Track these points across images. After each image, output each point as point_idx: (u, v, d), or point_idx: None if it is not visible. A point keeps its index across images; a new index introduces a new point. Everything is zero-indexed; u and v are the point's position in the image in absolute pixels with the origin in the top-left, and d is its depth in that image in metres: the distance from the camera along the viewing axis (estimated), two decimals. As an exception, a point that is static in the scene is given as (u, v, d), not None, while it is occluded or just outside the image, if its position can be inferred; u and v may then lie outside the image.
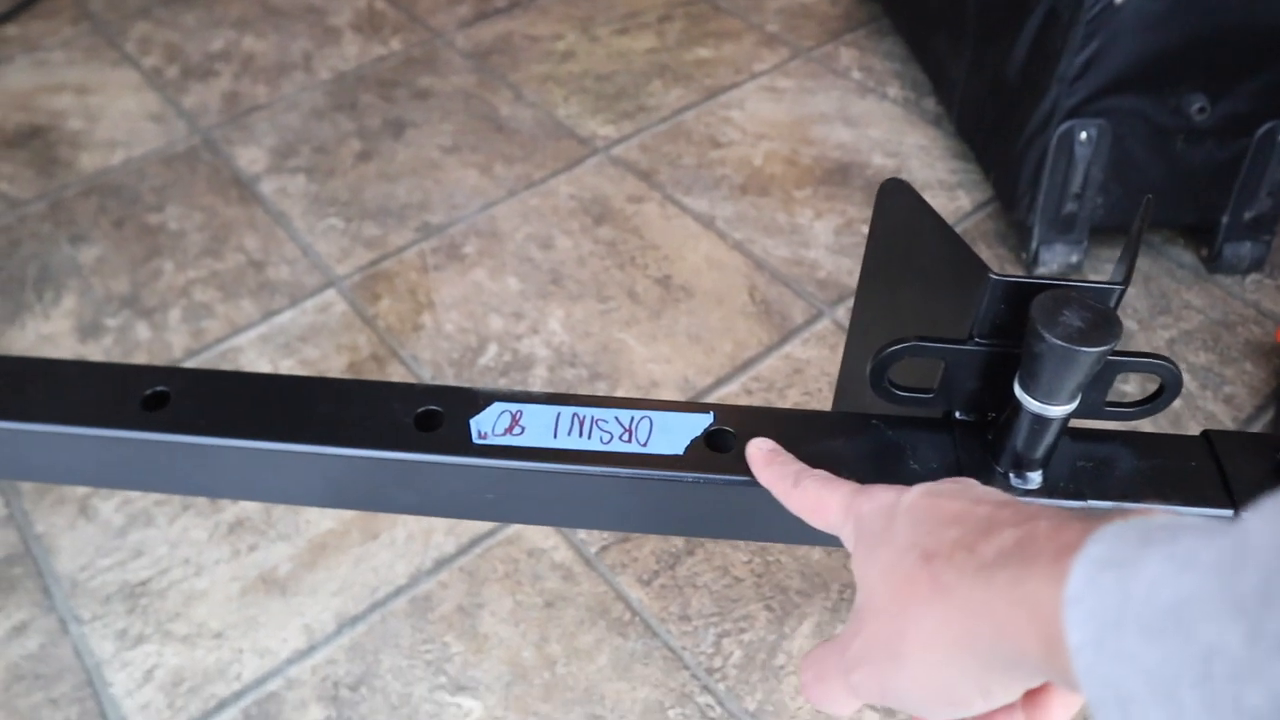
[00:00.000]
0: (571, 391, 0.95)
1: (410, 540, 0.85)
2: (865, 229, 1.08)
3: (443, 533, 0.85)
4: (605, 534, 0.84)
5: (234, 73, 1.38)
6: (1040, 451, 0.46)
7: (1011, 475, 0.47)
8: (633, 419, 0.51)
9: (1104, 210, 1.03)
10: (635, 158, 1.20)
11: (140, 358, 1.00)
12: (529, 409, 0.51)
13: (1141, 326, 1.03)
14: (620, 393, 0.96)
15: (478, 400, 0.51)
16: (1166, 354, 0.95)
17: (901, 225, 0.52)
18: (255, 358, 0.99)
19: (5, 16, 1.52)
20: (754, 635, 0.80)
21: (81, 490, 0.88)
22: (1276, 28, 0.92)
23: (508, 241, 1.10)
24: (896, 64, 1.35)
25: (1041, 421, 0.44)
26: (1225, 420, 0.94)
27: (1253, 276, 1.07)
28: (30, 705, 0.76)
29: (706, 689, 0.76)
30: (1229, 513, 0.46)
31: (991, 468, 0.47)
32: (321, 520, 0.86)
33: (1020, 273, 1.04)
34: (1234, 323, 1.03)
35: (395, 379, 0.97)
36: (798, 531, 0.45)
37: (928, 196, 1.06)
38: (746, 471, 0.47)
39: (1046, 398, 0.43)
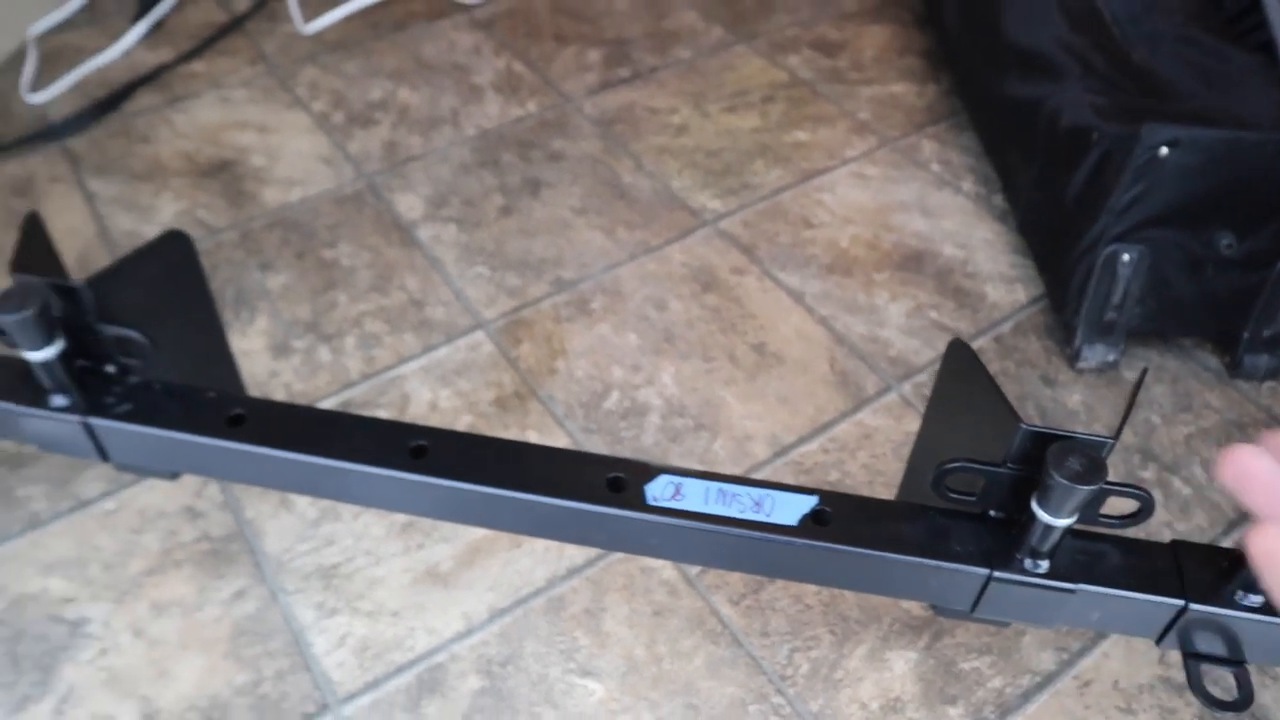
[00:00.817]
0: (678, 439, 1.15)
1: (547, 551, 1.05)
2: (933, 314, 1.28)
3: (574, 548, 1.05)
4: (704, 561, 1.04)
5: (391, 122, 1.59)
6: (1048, 547, 0.66)
7: (1026, 561, 0.66)
8: (761, 496, 0.71)
9: (1140, 319, 1.20)
10: (739, 232, 1.40)
11: (323, 377, 1.22)
12: (687, 482, 0.71)
13: (1165, 421, 1.21)
14: (718, 444, 1.15)
15: (651, 472, 0.71)
16: (1183, 447, 1.14)
17: (962, 373, 0.71)
18: (418, 385, 1.20)
19: (192, 53, 1.75)
20: (819, 652, 0.99)
21: (282, 486, 1.10)
22: (1297, 184, 1.10)
23: (628, 301, 1.30)
24: (971, 159, 1.53)
25: (1050, 528, 0.64)
26: (1227, 510, 1.11)
27: (1268, 384, 1.24)
28: (252, 655, 0.98)
29: (779, 692, 0.96)
30: (1180, 602, 0.65)
31: (1012, 555, 0.67)
32: (475, 530, 1.07)
33: (1065, 375, 1.22)
34: (1247, 424, 1.20)
35: (534, 415, 1.17)
36: (871, 585, 0.66)
37: (990, 289, 1.27)
38: (840, 541, 0.67)
39: (1054, 513, 0.63)
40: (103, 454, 0.78)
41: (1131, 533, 0.71)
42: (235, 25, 1.82)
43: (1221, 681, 0.69)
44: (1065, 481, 0.60)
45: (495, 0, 1.86)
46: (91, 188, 1.48)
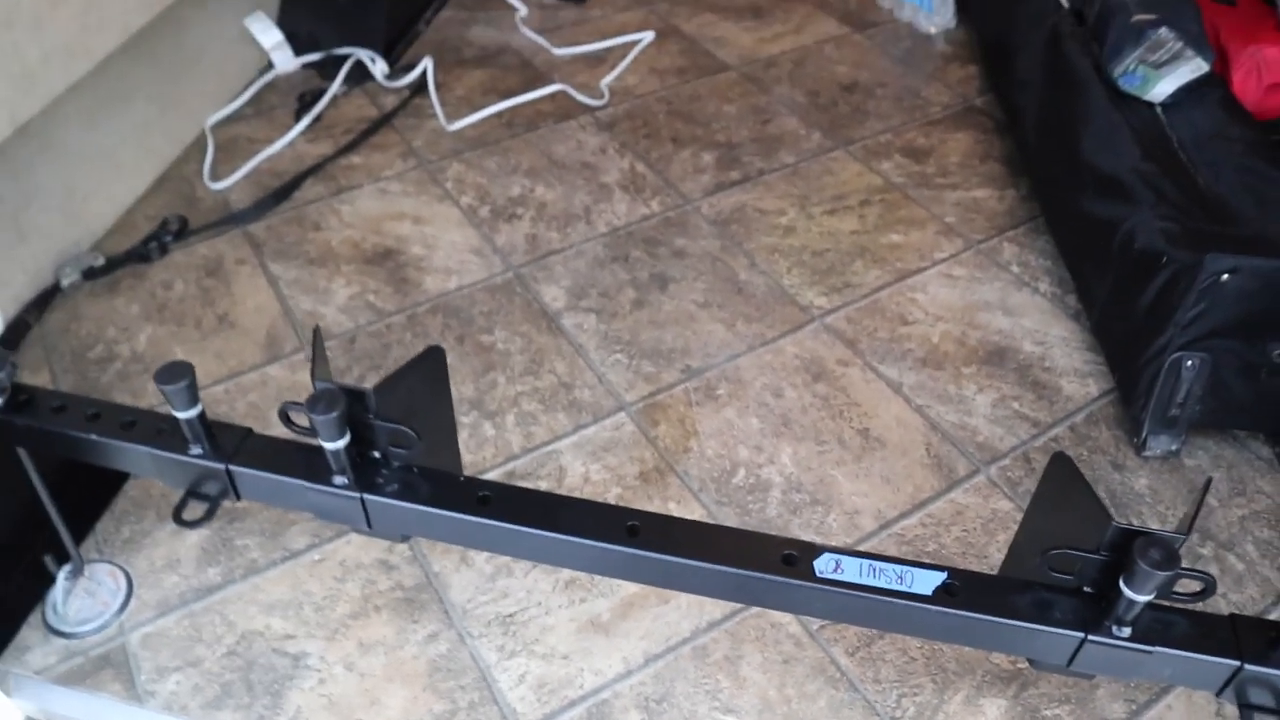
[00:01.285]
0: (798, 511, 1.34)
1: (690, 606, 1.24)
2: (1015, 404, 1.46)
3: (713, 604, 1.24)
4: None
5: (532, 217, 1.81)
6: (1131, 617, 0.84)
7: (1114, 628, 0.85)
8: (903, 571, 0.90)
9: (1200, 415, 1.38)
10: (843, 327, 1.59)
11: (489, 451, 1.42)
12: (845, 559, 0.90)
13: (1221, 504, 1.37)
14: (831, 517, 1.34)
15: (817, 550, 0.90)
16: (1238, 527, 1.31)
17: (1063, 477, 0.90)
18: (572, 460, 1.40)
19: (349, 146, 1.99)
20: (923, 698, 1.17)
21: (462, 543, 1.30)
22: (1342, 306, 1.27)
23: (749, 388, 1.50)
24: (1048, 261, 1.72)
25: (1134, 602, 0.82)
26: (1276, 583, 1.28)
27: (1315, 474, 1.41)
28: (447, 688, 1.17)
29: (892, 734, 1.14)
30: (1236, 663, 0.84)
31: (1103, 622, 0.85)
32: (630, 586, 1.26)
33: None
34: (1295, 509, 1.37)
35: (673, 489, 1.36)
36: (989, 644, 0.84)
37: (1065, 382, 1.45)
38: (967, 609, 0.86)
39: (1138, 591, 0.81)
40: (368, 523, 0.99)
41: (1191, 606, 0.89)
42: (385, 121, 2.05)
43: (1273, 735, 0.86)
44: (1148, 568, 0.79)
45: (616, 102, 2.09)
46: (273, 271, 1.71)
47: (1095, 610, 0.88)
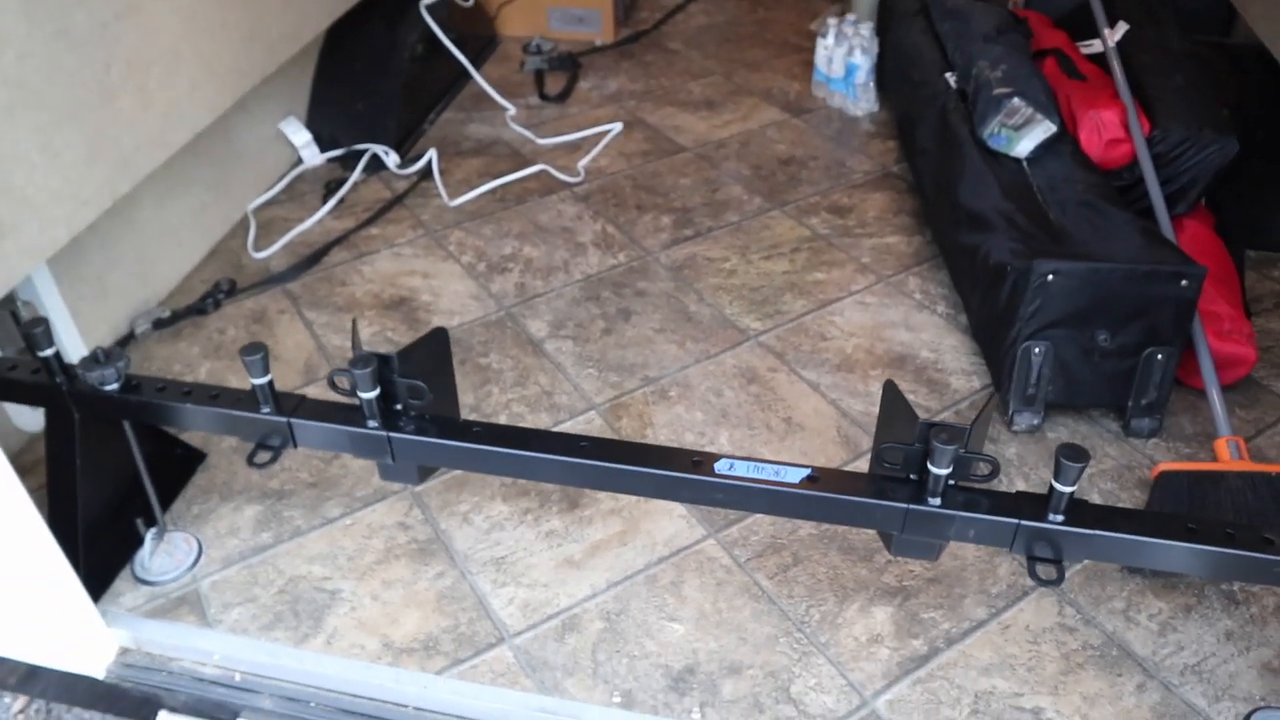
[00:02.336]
0: (731, 476, 1.68)
1: (644, 548, 1.57)
2: (912, 396, 1.81)
3: (661, 544, 1.57)
4: (750, 550, 1.55)
5: (520, 270, 2.19)
6: (939, 490, 1.18)
7: (928, 499, 1.19)
8: (779, 468, 1.24)
9: (1053, 393, 1.72)
10: (773, 344, 1.95)
11: (485, 441, 1.76)
12: (736, 461, 1.24)
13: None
14: (759, 479, 1.67)
15: (716, 456, 1.24)
16: (1087, 483, 1.63)
17: (892, 398, 1.24)
18: (551, 445, 1.75)
19: (368, 221, 2.38)
20: (826, 608, 1.49)
21: (464, 507, 1.64)
22: (1144, 297, 1.62)
23: (695, 390, 1.85)
24: (945, 289, 2.09)
25: (938, 478, 1.16)
26: (1114, 522, 1.60)
27: (1152, 440, 1.74)
28: (451, 610, 1.50)
29: (799, 630, 1.45)
30: (1015, 521, 1.17)
31: (921, 496, 1.19)
32: (595, 534, 1.59)
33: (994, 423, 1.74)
34: (1134, 467, 1.70)
35: (632, 462, 1.71)
36: (843, 519, 1.19)
37: (953, 379, 1.83)
38: (824, 490, 1.20)
39: (937, 466, 1.15)
40: (392, 456, 1.33)
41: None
42: (398, 201, 2.45)
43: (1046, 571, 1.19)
44: (940, 445, 1.13)
45: (590, 180, 2.49)
46: (308, 316, 2.08)
47: (916, 489, 1.21)
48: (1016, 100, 1.95)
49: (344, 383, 1.31)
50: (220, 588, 1.55)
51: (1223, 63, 2.37)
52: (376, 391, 1.29)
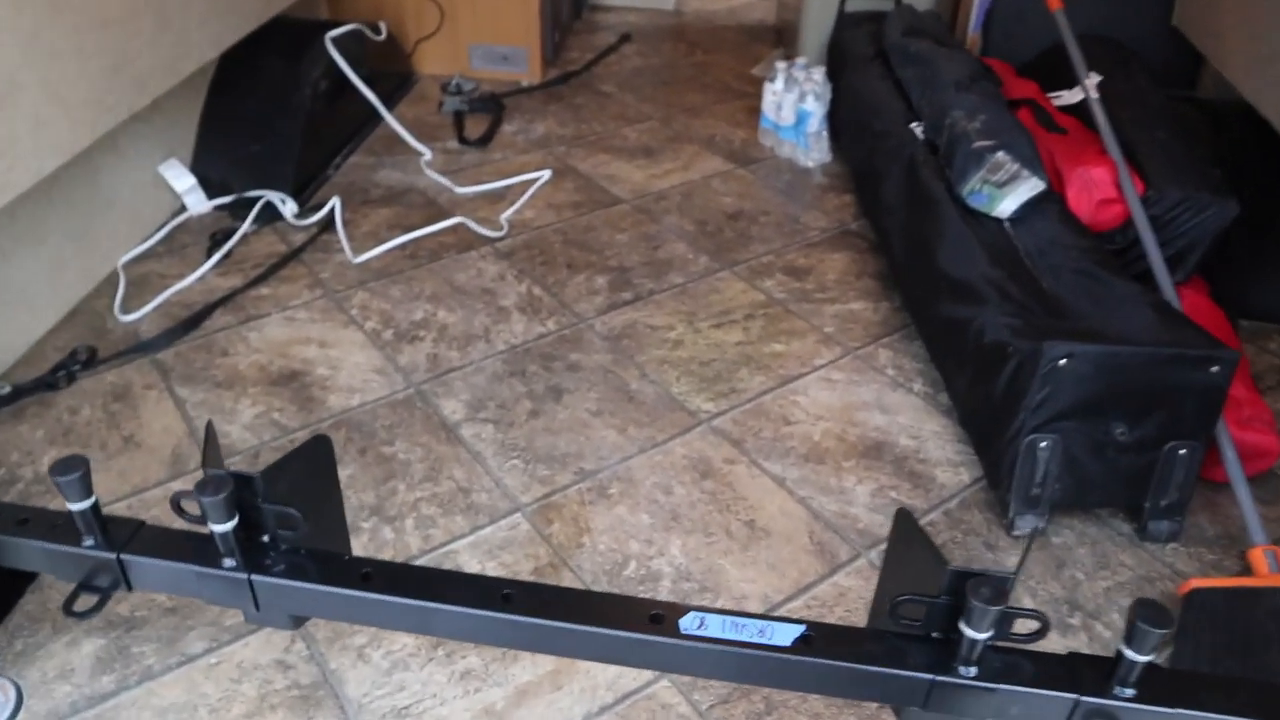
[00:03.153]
0: (687, 599, 1.39)
1: (583, 692, 1.27)
2: (894, 494, 1.55)
3: (604, 688, 1.27)
4: (713, 695, 1.27)
5: (433, 338, 1.89)
6: (974, 657, 0.90)
7: (960, 668, 0.91)
8: (764, 625, 0.96)
9: (1060, 493, 1.48)
10: (729, 429, 1.68)
11: (388, 553, 1.46)
12: (709, 616, 0.96)
13: (1087, 577, 1.46)
14: (719, 603, 1.39)
15: (681, 609, 0.96)
16: (1103, 598, 1.38)
17: (906, 533, 0.98)
18: (469, 559, 1.45)
19: (258, 279, 2.06)
20: (809, 774, 1.21)
21: (359, 640, 1.32)
22: (1166, 384, 1.39)
23: (640, 487, 1.57)
24: (920, 364, 1.84)
25: (974, 642, 0.89)
26: (1138, 650, 1.35)
27: (1170, 545, 1.51)
28: (341, 783, 1.18)
29: (778, 805, 1.17)
30: (1074, 696, 0.90)
31: (950, 664, 0.92)
32: (522, 674, 1.29)
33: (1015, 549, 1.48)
34: (1154, 579, 1.46)
35: (567, 582, 1.41)
36: (847, 692, 0.90)
37: (939, 472, 1.54)
38: (823, 657, 0.92)
39: (975, 628, 0.88)
40: (255, 604, 1.02)
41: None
42: (294, 255, 2.14)
43: (1108, 759, 0.92)
44: (981, 605, 0.86)
45: (515, 234, 2.21)
46: (180, 394, 1.75)
47: (943, 653, 0.94)
48: (1001, 154, 1.73)
49: (193, 508, 1.00)
50: (40, 756, 1.21)
51: (1200, 118, 2.18)
52: (233, 522, 0.98)
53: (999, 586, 0.88)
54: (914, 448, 1.67)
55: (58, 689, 1.28)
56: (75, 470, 0.99)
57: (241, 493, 0.99)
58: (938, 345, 1.77)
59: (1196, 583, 1.38)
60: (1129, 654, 0.89)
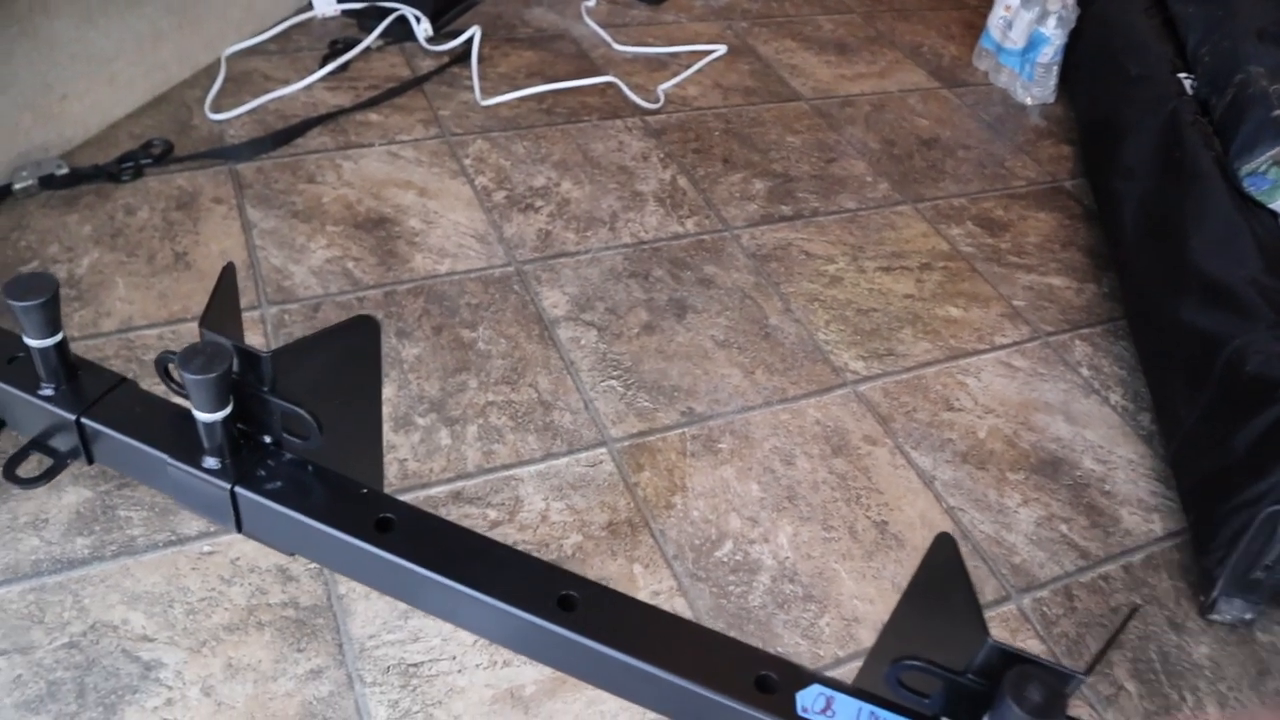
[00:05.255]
0: (785, 606, 1.11)
1: (634, 699, 1.00)
2: (1065, 527, 1.23)
3: (662, 702, 1.00)
4: None
5: (550, 212, 1.60)
6: None
7: None
8: (903, 727, 0.66)
9: (1287, 585, 1.14)
10: (878, 400, 1.37)
11: (439, 461, 1.20)
12: (839, 697, 0.67)
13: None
14: (825, 620, 1.10)
15: (804, 678, 0.67)
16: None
17: (945, 568, 0.67)
18: (532, 492, 1.18)
19: (370, 102, 1.79)
20: None
21: (380, 567, 1.07)
22: None
23: (757, 449, 1.27)
24: (1124, 370, 1.49)
25: None
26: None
27: None
28: (317, 743, 0.94)
29: None
30: None
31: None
32: (566, 657, 1.02)
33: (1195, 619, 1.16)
34: (1384, 721, 1.12)
35: (644, 549, 1.13)
36: None
37: (1126, 512, 1.20)
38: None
39: None
40: (238, 524, 0.76)
41: None
42: (416, 83, 1.86)
43: None
44: (1019, 710, 0.56)
45: (670, 110, 1.88)
46: (250, 216, 1.50)
47: None
48: (1312, 131, 1.33)
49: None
50: (-17, 615, 1.00)
51: None
52: (225, 412, 0.71)
53: (1056, 691, 0.57)
54: (1100, 474, 1.33)
55: (24, 540, 1.06)
56: (40, 294, 0.74)
57: (245, 375, 0.72)
58: (1161, 355, 1.41)
59: None
60: None
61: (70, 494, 1.11)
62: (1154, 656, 1.14)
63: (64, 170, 1.50)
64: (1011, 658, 0.60)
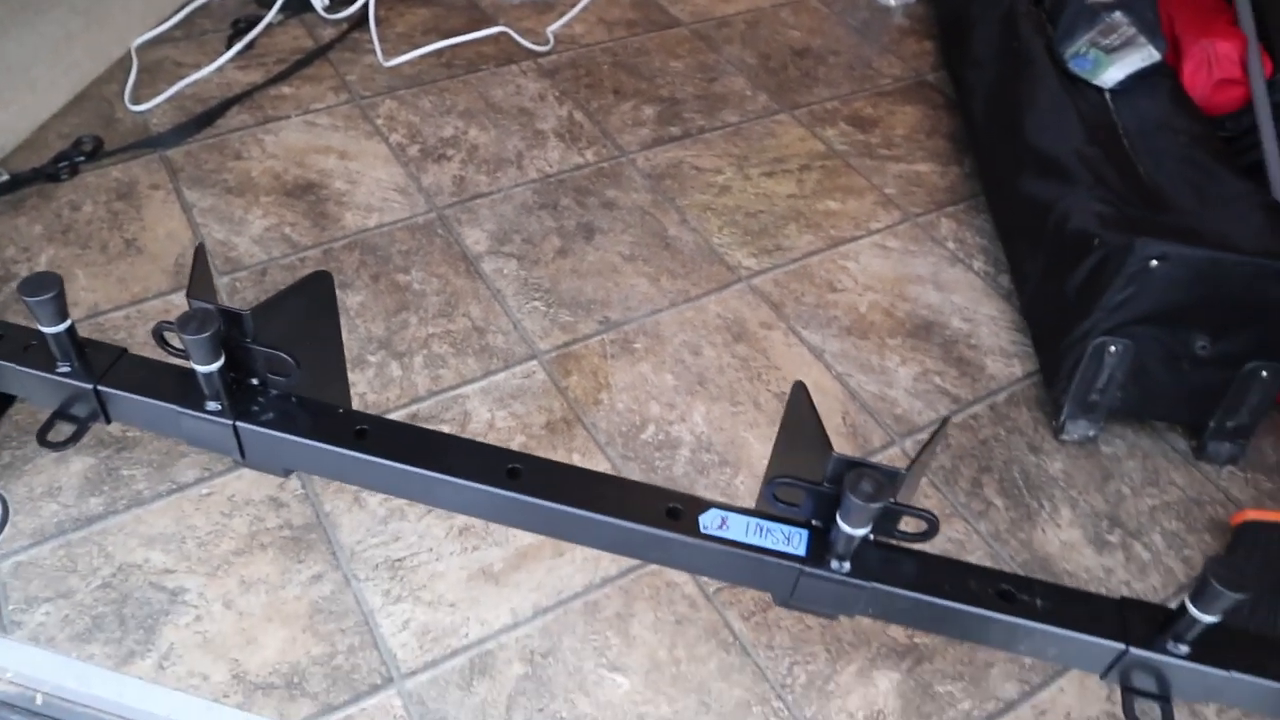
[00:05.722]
0: (705, 471, 1.31)
1: (586, 561, 1.21)
2: (937, 379, 1.44)
3: (609, 559, 1.21)
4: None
5: (461, 159, 1.75)
6: (850, 551, 0.82)
7: (833, 563, 0.84)
8: (790, 532, 0.87)
9: (1120, 402, 1.36)
10: (769, 290, 1.56)
11: (393, 391, 1.37)
12: (732, 516, 0.87)
13: (1133, 493, 1.36)
14: (740, 479, 1.31)
15: (703, 505, 0.87)
16: (1147, 517, 1.29)
17: (800, 410, 0.87)
18: (478, 405, 1.36)
19: (280, 76, 1.92)
20: (815, 667, 1.14)
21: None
22: (1266, 300, 1.25)
23: (667, 344, 1.46)
24: (984, 240, 1.70)
25: (850, 537, 0.80)
26: (1179, 574, 1.27)
27: (1228, 469, 1.40)
28: (327, 630, 1.13)
29: (779, 697, 1.11)
30: (1121, 645, 0.82)
31: (824, 558, 0.83)
32: (524, 536, 1.22)
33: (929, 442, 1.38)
34: (1205, 502, 1.36)
35: (579, 440, 1.33)
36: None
37: (990, 361, 1.43)
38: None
39: (851, 524, 0.79)
40: (241, 453, 0.94)
41: (1093, 588, 0.87)
42: (320, 53, 1.98)
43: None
44: (859, 501, 0.77)
45: (561, 50, 2.03)
46: (189, 198, 1.64)
47: (819, 544, 0.86)
48: (1118, 14, 1.53)
49: (178, 341, 0.90)
50: (25, 573, 1.16)
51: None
52: (219, 363, 0.88)
53: (882, 481, 0.79)
54: (966, 331, 1.54)
55: (45, 507, 1.22)
56: (48, 290, 0.89)
57: (230, 331, 0.89)
58: (1010, 222, 1.62)
59: (1250, 515, 1.28)
60: (1194, 611, 0.80)
61: (76, 463, 1.27)
62: (1017, 476, 1.37)
63: (4, 177, 1.62)
64: (851, 464, 0.80)
